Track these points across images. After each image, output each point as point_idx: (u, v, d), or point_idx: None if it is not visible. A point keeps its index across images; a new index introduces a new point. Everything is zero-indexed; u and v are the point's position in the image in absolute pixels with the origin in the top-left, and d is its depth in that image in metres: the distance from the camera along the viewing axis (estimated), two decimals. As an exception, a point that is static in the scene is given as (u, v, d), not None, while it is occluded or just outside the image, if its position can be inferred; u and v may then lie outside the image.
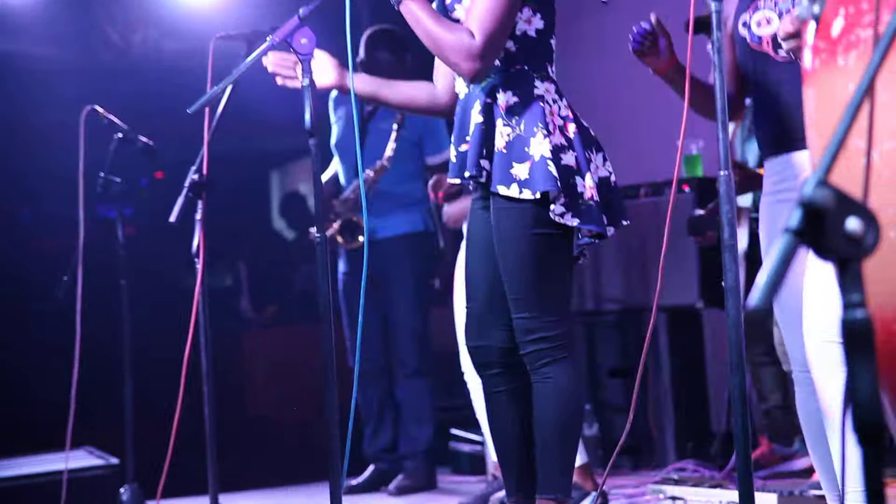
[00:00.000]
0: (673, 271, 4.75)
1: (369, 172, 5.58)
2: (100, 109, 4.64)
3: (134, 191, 4.89)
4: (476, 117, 3.29)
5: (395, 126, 5.62)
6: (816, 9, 1.87)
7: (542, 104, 3.24)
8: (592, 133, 3.36)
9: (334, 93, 5.80)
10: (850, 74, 1.71)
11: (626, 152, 5.14)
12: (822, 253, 1.46)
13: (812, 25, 1.94)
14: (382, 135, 5.66)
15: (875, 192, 1.81)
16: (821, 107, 1.93)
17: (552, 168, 3.16)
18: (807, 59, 1.95)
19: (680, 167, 2.81)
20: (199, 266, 4.02)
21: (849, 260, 1.49)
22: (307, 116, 3.29)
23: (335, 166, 5.93)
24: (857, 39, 1.80)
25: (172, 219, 4.05)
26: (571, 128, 3.27)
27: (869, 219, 1.46)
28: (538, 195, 3.17)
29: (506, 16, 3.20)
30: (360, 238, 5.58)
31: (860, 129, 1.78)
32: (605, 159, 3.36)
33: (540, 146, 3.18)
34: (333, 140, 5.88)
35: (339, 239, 5.64)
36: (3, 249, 7.13)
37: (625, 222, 3.35)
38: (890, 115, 1.78)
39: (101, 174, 4.68)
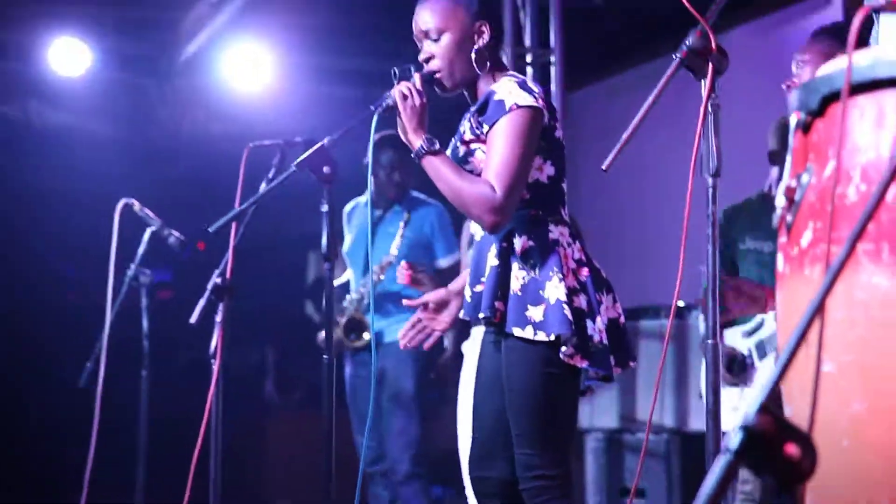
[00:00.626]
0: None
1: (376, 268, 5.70)
2: (135, 203, 4.76)
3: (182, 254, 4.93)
4: (492, 260, 3.39)
5: (401, 223, 5.76)
6: (790, 217, 1.95)
7: (557, 248, 3.34)
8: (603, 275, 3.45)
9: (348, 206, 5.94)
10: (814, 286, 1.79)
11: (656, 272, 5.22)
12: (761, 475, 1.52)
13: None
14: (391, 239, 5.81)
15: (831, 401, 1.88)
16: (786, 311, 2.01)
17: (567, 312, 3.24)
18: (780, 262, 2.02)
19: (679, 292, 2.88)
20: (216, 368, 4.10)
21: (787, 483, 1.55)
22: (324, 241, 3.39)
23: (347, 275, 6.04)
24: (822, 253, 1.87)
25: (193, 320, 4.15)
26: (584, 271, 3.37)
27: (807, 445, 1.52)
28: (552, 337, 3.26)
29: (523, 168, 3.31)
30: (365, 336, 5.68)
31: (814, 342, 1.85)
32: (614, 300, 3.45)
33: (555, 290, 3.28)
34: (346, 248, 6.01)
35: (343, 337, 5.76)
36: (31, 322, 7.25)
37: (632, 363, 3.44)
38: (847, 330, 1.85)
39: (132, 266, 4.79)
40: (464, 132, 3.48)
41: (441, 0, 3.51)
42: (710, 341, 2.73)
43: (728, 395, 4.86)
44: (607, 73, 9.49)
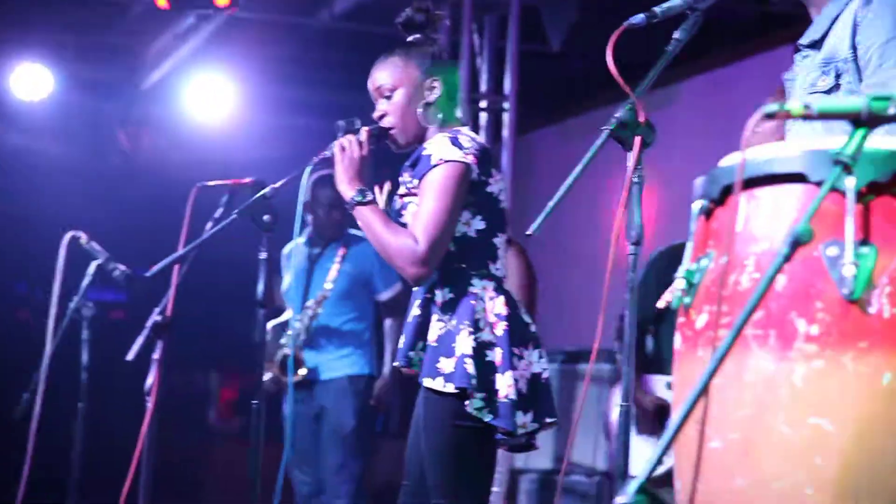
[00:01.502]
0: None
1: (311, 303, 5.76)
2: (81, 236, 4.79)
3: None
4: (415, 310, 3.47)
5: (336, 259, 5.84)
6: (687, 299, 2.04)
7: (473, 302, 3.39)
8: (532, 329, 3.50)
9: (287, 248, 5.99)
10: (705, 367, 1.87)
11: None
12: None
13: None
14: (328, 274, 5.88)
15: (716, 476, 1.97)
16: (681, 389, 2.10)
17: (470, 366, 3.31)
18: (677, 340, 2.11)
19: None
20: (150, 407, 4.14)
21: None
22: (260, 288, 3.46)
23: (287, 314, 6.08)
24: (714, 337, 1.96)
25: (129, 357, 4.19)
26: (501, 326, 3.40)
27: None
28: (458, 389, 3.33)
29: (448, 222, 3.37)
30: (300, 372, 5.73)
31: (700, 419, 1.94)
32: (541, 356, 3.50)
33: (464, 343, 3.34)
34: (284, 288, 6.05)
35: (280, 374, 5.81)
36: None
37: (549, 420, 3.48)
38: (735, 409, 1.94)
39: (74, 299, 4.82)
40: (399, 187, 3.56)
41: (395, 58, 3.59)
42: (623, 404, 2.81)
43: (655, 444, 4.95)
44: (563, 116, 9.63)
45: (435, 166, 3.37)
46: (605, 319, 2.88)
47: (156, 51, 9.41)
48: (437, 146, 3.42)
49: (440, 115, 3.58)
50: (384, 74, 3.58)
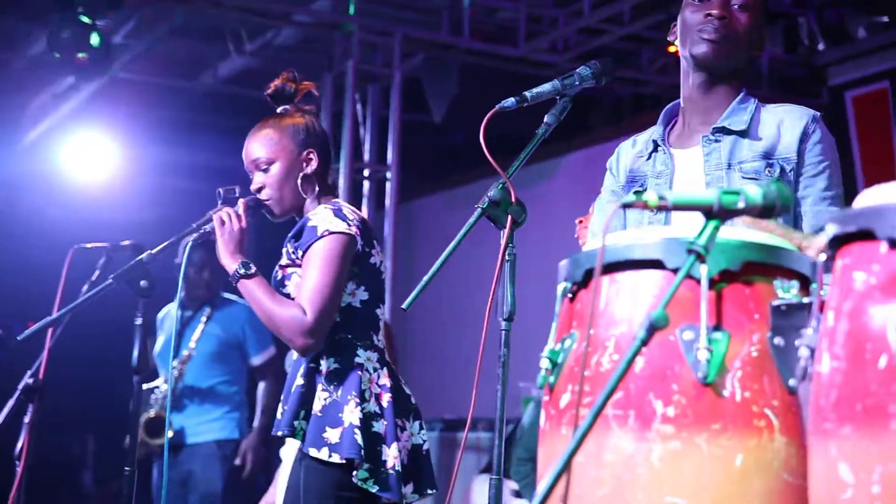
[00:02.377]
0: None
1: (176, 363, 5.72)
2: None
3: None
4: (298, 380, 3.49)
5: (202, 319, 5.82)
6: (552, 379, 2.10)
7: (360, 372, 3.44)
8: (413, 401, 3.57)
9: (162, 312, 5.97)
10: (568, 445, 1.92)
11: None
12: None
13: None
14: (207, 338, 5.85)
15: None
16: (544, 464, 2.15)
17: (358, 437, 3.34)
18: (542, 418, 2.17)
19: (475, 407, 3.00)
20: (20, 470, 4.08)
21: None
22: (135, 354, 3.46)
23: (160, 379, 6.04)
24: (576, 416, 2.02)
25: (-1, 420, 4.14)
26: (386, 397, 3.46)
27: None
28: (345, 460, 3.35)
29: (334, 293, 3.43)
30: (168, 433, 5.66)
31: (562, 496, 1.99)
32: (421, 427, 3.56)
33: (351, 414, 3.38)
34: (156, 351, 6.01)
35: (146, 437, 5.74)
36: None
37: (429, 491, 3.53)
38: (595, 488, 2.00)
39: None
40: (282, 257, 3.59)
41: (269, 131, 3.64)
42: (493, 477, 2.85)
43: None
44: (446, 185, 9.74)
45: (321, 237, 3.43)
46: (478, 391, 2.94)
47: (35, 108, 9.33)
48: (322, 218, 3.48)
49: (317, 187, 3.64)
50: (258, 147, 3.64)
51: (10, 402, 4.17)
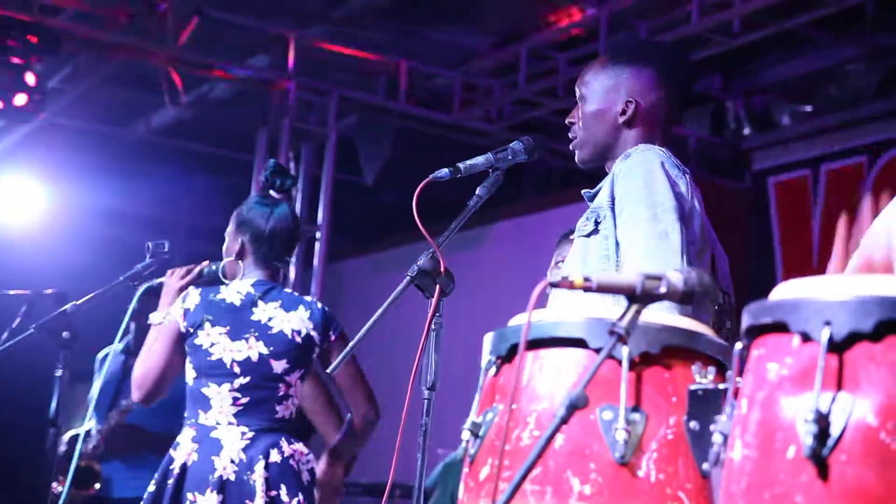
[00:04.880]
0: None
1: (114, 413, 5.61)
2: None
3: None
4: None
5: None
6: (472, 451, 2.12)
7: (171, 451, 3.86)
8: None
9: (103, 353, 5.90)
10: (487, 517, 1.95)
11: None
12: None
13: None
14: None
15: None
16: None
17: None
18: (461, 489, 2.19)
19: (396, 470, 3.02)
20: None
21: None
22: (53, 405, 3.45)
23: (90, 423, 5.91)
24: (494, 489, 2.05)
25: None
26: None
27: None
28: None
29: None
30: (96, 485, 5.56)
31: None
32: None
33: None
34: (92, 394, 5.87)
35: (73, 488, 5.60)
36: None
37: None
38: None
39: None
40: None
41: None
42: (408, 546, 2.87)
43: None
44: (375, 247, 9.77)
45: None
46: (398, 457, 2.96)
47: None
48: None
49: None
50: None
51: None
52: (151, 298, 5.76)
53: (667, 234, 2.78)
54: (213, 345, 3.77)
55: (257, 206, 3.93)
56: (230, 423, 3.72)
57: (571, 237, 4.03)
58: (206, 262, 3.91)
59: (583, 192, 3.10)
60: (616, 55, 3.12)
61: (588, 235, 2.94)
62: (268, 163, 4.01)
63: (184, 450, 3.72)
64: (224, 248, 3.94)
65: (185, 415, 3.79)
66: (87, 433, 5.82)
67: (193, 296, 3.81)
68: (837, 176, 7.19)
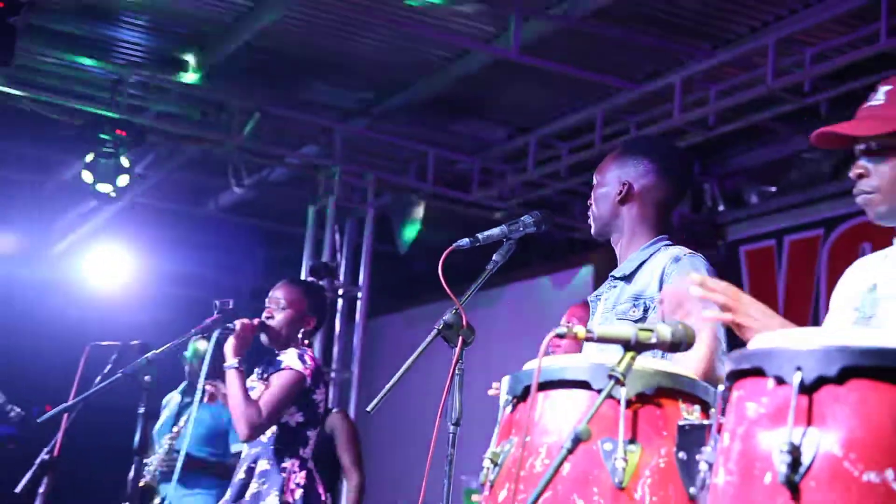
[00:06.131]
0: None
1: (166, 438, 5.55)
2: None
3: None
4: (240, 474, 3.88)
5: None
6: (492, 476, 2.09)
7: (283, 475, 3.81)
8: (324, 500, 3.92)
9: (167, 397, 5.84)
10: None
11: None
12: None
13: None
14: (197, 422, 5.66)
15: None
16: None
17: None
18: (481, 511, 2.16)
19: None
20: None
21: None
22: (136, 438, 3.44)
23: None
24: (512, 511, 2.01)
25: (18, 489, 4.06)
26: (299, 493, 3.82)
27: None
28: None
29: (283, 406, 3.86)
30: (156, 500, 5.50)
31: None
32: None
33: (271, 501, 3.76)
34: (156, 428, 5.82)
35: None
36: None
37: None
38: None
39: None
40: (262, 372, 3.98)
41: (291, 286, 4.09)
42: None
43: None
44: (407, 305, 9.75)
45: (282, 370, 3.89)
46: (427, 482, 2.94)
47: (63, 224, 9.32)
48: (288, 357, 3.94)
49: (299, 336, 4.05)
50: (281, 293, 4.03)
51: (28, 475, 4.10)
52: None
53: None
54: (321, 400, 3.97)
55: None
56: None
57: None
58: (257, 320, 3.96)
59: (612, 274, 3.03)
60: (624, 149, 3.12)
61: (637, 321, 2.85)
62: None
63: (294, 475, 3.85)
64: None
65: (280, 447, 3.87)
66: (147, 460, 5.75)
67: (308, 358, 3.95)
68: (798, 246, 7.17)
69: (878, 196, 2.27)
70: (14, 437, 5.25)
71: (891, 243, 2.37)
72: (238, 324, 3.86)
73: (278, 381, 3.86)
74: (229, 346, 3.85)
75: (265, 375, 3.93)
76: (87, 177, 7.25)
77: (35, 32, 6.55)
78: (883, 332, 1.90)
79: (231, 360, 3.84)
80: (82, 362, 4.15)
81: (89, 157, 7.26)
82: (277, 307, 3.99)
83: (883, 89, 2.30)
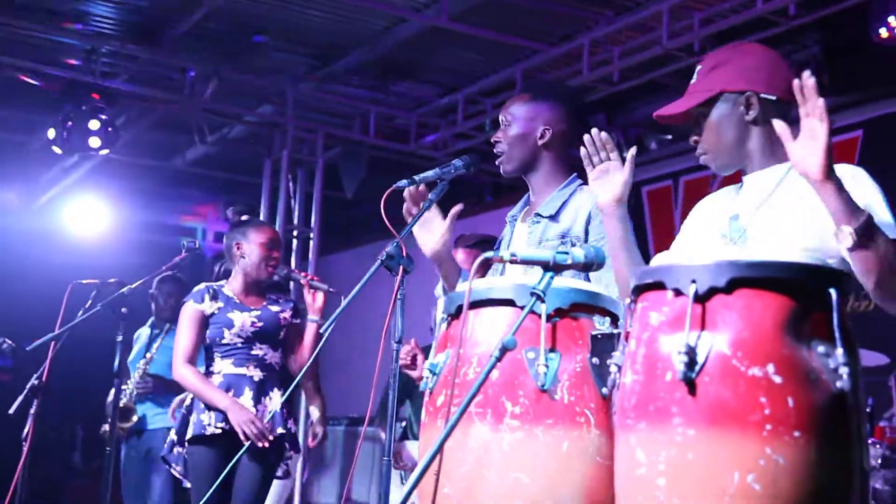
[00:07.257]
0: None
1: (141, 364, 5.47)
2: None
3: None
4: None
5: (162, 335, 5.61)
6: (431, 384, 2.08)
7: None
8: None
9: (139, 332, 5.72)
10: (440, 434, 1.91)
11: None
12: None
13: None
14: (166, 350, 5.54)
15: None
16: (423, 448, 2.14)
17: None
18: (423, 414, 2.15)
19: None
20: (25, 450, 3.92)
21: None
22: (116, 363, 3.37)
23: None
24: (448, 413, 2.01)
25: (11, 411, 3.99)
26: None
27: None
28: None
29: None
30: (133, 418, 5.44)
31: (436, 471, 1.98)
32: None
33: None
34: (130, 358, 5.71)
35: (120, 423, 5.45)
36: None
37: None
38: (459, 466, 1.98)
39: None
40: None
41: None
42: (385, 459, 2.81)
43: None
44: (355, 244, 9.70)
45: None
46: (376, 395, 2.91)
47: (46, 179, 9.11)
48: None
49: None
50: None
51: (20, 398, 4.02)
52: (166, 286, 5.68)
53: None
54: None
55: None
56: None
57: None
58: None
59: (539, 210, 2.94)
60: (537, 93, 3.05)
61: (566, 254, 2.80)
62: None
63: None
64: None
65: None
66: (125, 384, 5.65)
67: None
68: (692, 185, 7.22)
69: (710, 156, 2.30)
70: (8, 369, 5.15)
71: (740, 180, 2.37)
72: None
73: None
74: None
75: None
76: (65, 133, 7.08)
77: (19, 8, 6.42)
78: (763, 248, 1.92)
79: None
80: (65, 298, 4.04)
81: (65, 119, 7.10)
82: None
83: (697, 68, 2.33)
